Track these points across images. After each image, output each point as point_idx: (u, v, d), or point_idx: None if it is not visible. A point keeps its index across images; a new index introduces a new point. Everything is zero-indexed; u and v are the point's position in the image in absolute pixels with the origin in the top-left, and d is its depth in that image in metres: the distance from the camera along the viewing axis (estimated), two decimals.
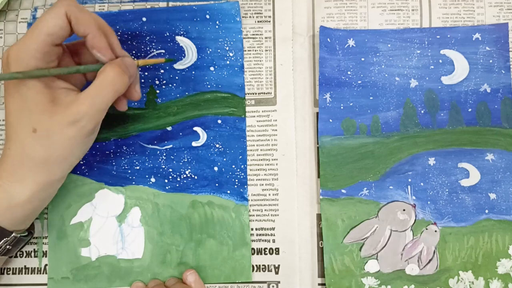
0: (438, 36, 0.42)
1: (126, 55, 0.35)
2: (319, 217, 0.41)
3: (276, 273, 0.40)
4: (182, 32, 0.42)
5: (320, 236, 0.40)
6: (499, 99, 0.41)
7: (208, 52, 0.42)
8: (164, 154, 0.41)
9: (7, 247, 0.35)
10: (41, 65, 0.32)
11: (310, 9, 0.43)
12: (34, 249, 0.40)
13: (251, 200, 0.41)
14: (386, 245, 0.40)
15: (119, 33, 0.42)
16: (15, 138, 0.32)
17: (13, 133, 0.32)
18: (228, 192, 0.40)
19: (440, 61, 0.42)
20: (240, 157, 0.41)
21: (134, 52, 0.42)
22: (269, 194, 0.41)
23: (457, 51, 0.42)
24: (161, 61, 0.38)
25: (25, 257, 0.40)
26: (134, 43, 0.42)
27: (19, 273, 0.40)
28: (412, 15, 0.43)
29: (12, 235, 0.35)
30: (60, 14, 0.31)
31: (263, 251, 0.40)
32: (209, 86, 0.42)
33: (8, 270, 0.40)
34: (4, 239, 0.34)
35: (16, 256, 0.40)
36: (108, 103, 0.33)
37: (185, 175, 0.41)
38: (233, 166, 0.41)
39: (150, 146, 0.41)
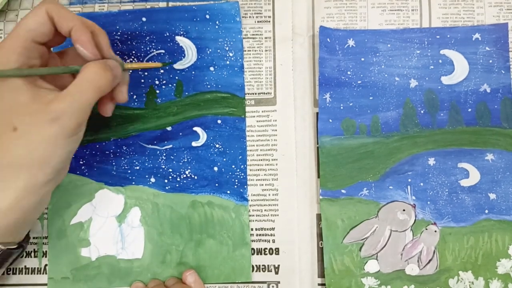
0: (438, 36, 0.42)
1: (114, 57, 0.35)
2: (319, 217, 0.41)
3: (276, 273, 0.40)
4: (182, 32, 0.42)
5: (320, 236, 0.40)
6: (498, 99, 0.41)
7: (208, 52, 0.42)
8: (164, 154, 0.41)
9: None
10: (23, 60, 0.31)
11: (310, 9, 0.43)
12: (34, 249, 0.40)
13: (251, 200, 0.41)
14: (386, 245, 0.40)
15: (119, 33, 0.42)
16: None
17: None
18: (228, 192, 0.40)
19: (440, 61, 0.42)
20: (240, 157, 0.41)
21: (134, 52, 0.42)
22: (269, 194, 0.41)
23: (457, 51, 0.42)
24: (154, 65, 0.38)
25: (25, 257, 0.40)
26: (134, 43, 0.42)
27: (19, 273, 0.40)
28: (412, 15, 0.43)
29: None
30: (40, 12, 0.32)
31: (263, 251, 0.40)
32: (209, 86, 0.42)
33: (8, 270, 0.40)
34: None
35: None
36: (90, 101, 0.32)
37: (185, 175, 0.41)
38: (233, 166, 0.41)
39: (150, 146, 0.41)
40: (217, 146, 0.41)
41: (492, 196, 0.40)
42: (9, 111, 0.31)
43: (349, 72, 0.42)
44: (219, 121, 0.41)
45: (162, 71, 0.42)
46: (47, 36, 0.32)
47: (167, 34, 0.42)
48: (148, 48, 0.42)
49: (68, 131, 0.31)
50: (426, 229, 0.40)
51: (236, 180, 0.41)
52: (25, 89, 0.31)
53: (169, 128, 0.41)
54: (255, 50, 0.43)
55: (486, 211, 0.40)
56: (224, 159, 0.41)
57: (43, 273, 0.40)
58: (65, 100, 0.31)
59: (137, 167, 0.41)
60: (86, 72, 0.32)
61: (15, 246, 0.34)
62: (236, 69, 0.42)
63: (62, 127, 0.31)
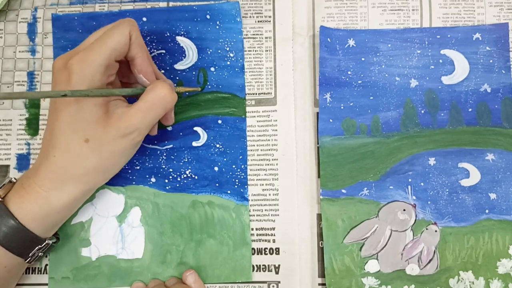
0: (438, 36, 0.42)
1: (166, 80, 0.38)
2: (319, 217, 0.41)
3: (276, 273, 0.40)
4: (182, 32, 0.42)
5: (320, 236, 0.40)
6: (499, 99, 0.41)
7: (209, 52, 0.42)
8: (165, 154, 0.41)
9: (39, 254, 0.36)
10: (103, 79, 0.33)
11: (310, 9, 0.43)
12: None
13: (251, 200, 0.41)
14: (386, 245, 0.40)
15: None
16: (64, 146, 0.33)
17: (62, 141, 0.33)
18: (229, 192, 0.41)
19: (440, 61, 0.42)
20: (241, 157, 0.41)
21: None
22: (269, 194, 0.41)
23: (457, 51, 0.42)
24: (197, 89, 0.41)
25: None
26: None
27: None
28: (412, 15, 0.43)
29: (46, 242, 0.35)
30: (125, 32, 0.33)
31: (263, 251, 0.40)
32: (209, 87, 0.42)
33: None
34: (38, 246, 0.35)
35: None
36: (158, 118, 0.34)
37: (185, 175, 0.41)
38: (234, 166, 0.41)
39: (150, 146, 0.41)
40: (217, 146, 0.41)
41: (493, 196, 0.40)
42: (84, 123, 0.32)
43: (349, 72, 0.42)
44: (219, 121, 0.41)
45: (162, 71, 0.42)
46: (123, 56, 0.34)
47: (168, 34, 0.42)
48: (148, 48, 0.42)
49: (135, 143, 0.34)
50: (427, 229, 0.40)
51: (237, 180, 0.41)
52: (100, 104, 0.33)
53: (169, 128, 0.41)
54: (255, 50, 0.43)
55: (487, 211, 0.40)
56: (225, 159, 0.41)
57: (43, 273, 0.40)
58: (137, 118, 0.33)
59: (138, 167, 0.41)
60: (156, 91, 0.33)
61: (55, 240, 0.37)
62: (236, 69, 0.42)
63: (131, 141, 0.34)
